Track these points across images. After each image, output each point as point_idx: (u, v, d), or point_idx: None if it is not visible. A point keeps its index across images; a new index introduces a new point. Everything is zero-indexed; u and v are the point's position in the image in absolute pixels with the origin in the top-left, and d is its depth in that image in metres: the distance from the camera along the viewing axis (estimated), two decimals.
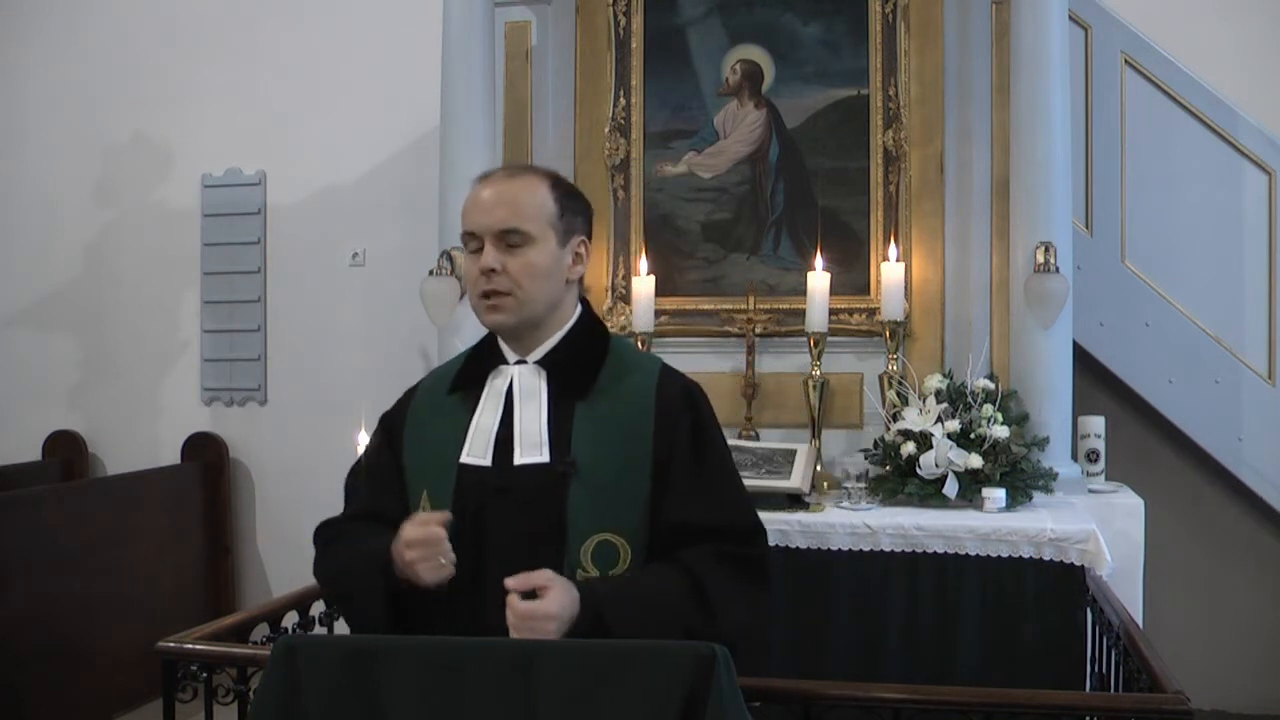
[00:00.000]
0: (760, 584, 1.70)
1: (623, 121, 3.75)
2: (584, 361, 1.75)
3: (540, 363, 1.75)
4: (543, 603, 1.51)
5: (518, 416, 1.71)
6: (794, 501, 3.07)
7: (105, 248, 5.14)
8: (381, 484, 1.80)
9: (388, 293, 4.67)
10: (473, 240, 1.71)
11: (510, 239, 1.68)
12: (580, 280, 1.80)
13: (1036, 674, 2.75)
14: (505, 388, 1.74)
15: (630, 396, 1.71)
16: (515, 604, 1.50)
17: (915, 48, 3.57)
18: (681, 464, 1.68)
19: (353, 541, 1.75)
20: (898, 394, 3.28)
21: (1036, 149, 3.35)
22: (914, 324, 3.53)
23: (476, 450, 1.71)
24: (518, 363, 1.76)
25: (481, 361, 1.80)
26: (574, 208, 1.75)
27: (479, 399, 1.76)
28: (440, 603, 1.62)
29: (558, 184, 1.75)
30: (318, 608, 2.99)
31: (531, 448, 1.69)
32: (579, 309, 1.81)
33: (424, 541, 1.57)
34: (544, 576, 1.53)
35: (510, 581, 1.52)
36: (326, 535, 1.83)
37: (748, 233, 3.68)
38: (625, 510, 1.65)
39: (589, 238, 1.79)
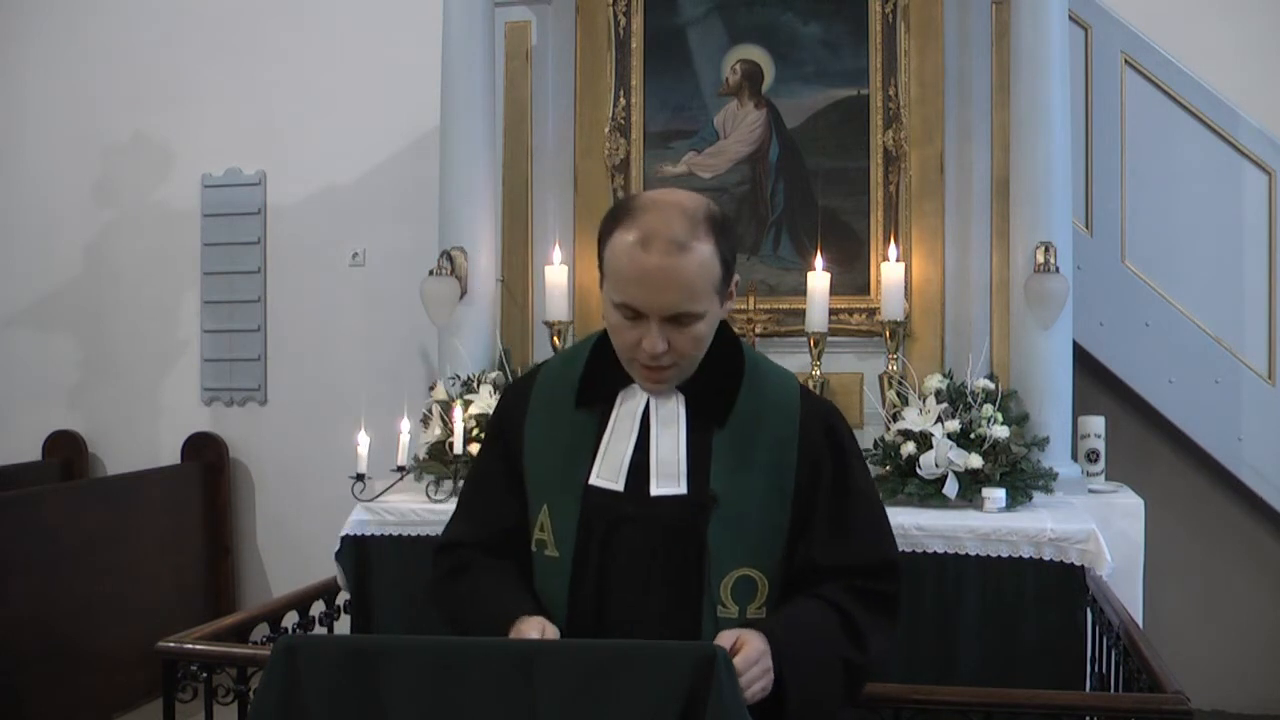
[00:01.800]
0: (892, 619, 1.66)
1: (623, 121, 3.75)
2: (723, 387, 1.65)
3: (679, 386, 1.64)
4: (750, 652, 1.46)
5: (654, 444, 1.62)
6: None
7: (105, 248, 5.14)
8: (502, 500, 1.70)
9: (388, 293, 4.67)
10: (629, 310, 1.54)
11: (680, 320, 1.54)
12: None
13: (1036, 674, 2.75)
14: (639, 410, 1.64)
15: (771, 424, 1.64)
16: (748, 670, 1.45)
17: (915, 48, 3.57)
18: (823, 498, 1.62)
19: (481, 590, 1.67)
20: (898, 394, 3.28)
21: (1036, 149, 3.35)
22: (914, 324, 3.53)
23: (608, 474, 1.62)
24: None
25: (608, 373, 1.66)
26: (729, 248, 1.58)
27: (605, 415, 1.65)
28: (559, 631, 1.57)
29: (720, 231, 1.56)
30: (318, 608, 3.00)
31: (669, 479, 1.61)
32: None
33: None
34: (735, 635, 1.49)
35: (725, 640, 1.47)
36: (448, 565, 1.73)
37: (748, 233, 3.68)
38: (764, 544, 1.59)
39: (734, 268, 1.63)
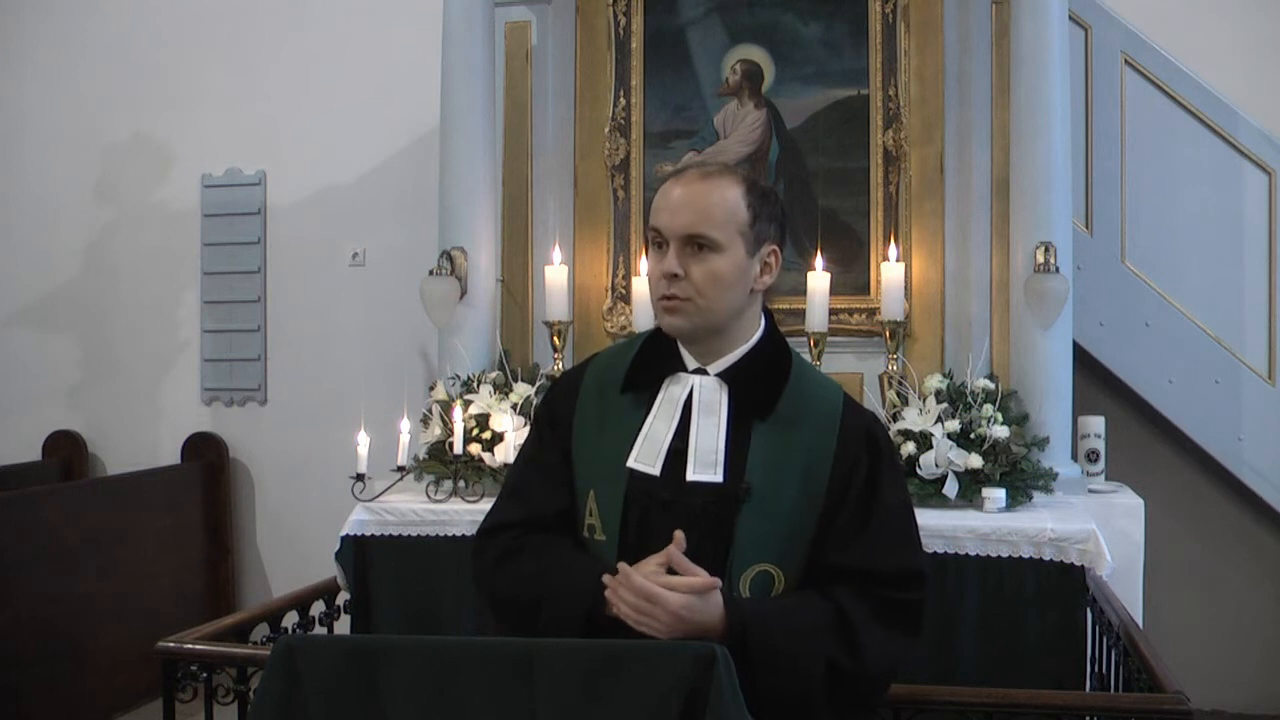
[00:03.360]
0: (910, 630, 1.65)
1: (623, 121, 3.75)
2: (768, 380, 1.67)
3: (722, 375, 1.67)
4: (671, 597, 1.48)
5: (694, 430, 1.64)
6: None
7: (105, 248, 5.14)
8: (552, 484, 1.71)
9: (388, 293, 4.67)
10: (657, 237, 1.64)
11: (697, 243, 1.60)
12: (766, 291, 1.70)
13: (1036, 674, 2.75)
14: (683, 397, 1.67)
15: (812, 426, 1.65)
16: (640, 582, 1.48)
17: (915, 48, 3.57)
18: (852, 505, 1.63)
19: (547, 559, 1.66)
20: (898, 394, 3.28)
21: (1036, 149, 3.35)
22: (914, 324, 3.53)
23: (646, 458, 1.64)
24: (696, 371, 1.68)
25: (657, 362, 1.70)
26: (768, 214, 1.66)
27: (652, 402, 1.68)
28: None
29: (753, 188, 1.65)
30: (318, 608, 3.00)
31: (706, 466, 1.63)
32: (764, 322, 1.72)
33: (650, 599, 1.49)
34: (704, 582, 1.50)
35: (677, 556, 1.49)
36: (501, 547, 1.71)
37: None
38: (790, 543, 1.60)
39: (781, 246, 1.70)
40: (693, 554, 1.55)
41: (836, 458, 1.64)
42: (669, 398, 1.68)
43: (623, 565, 1.54)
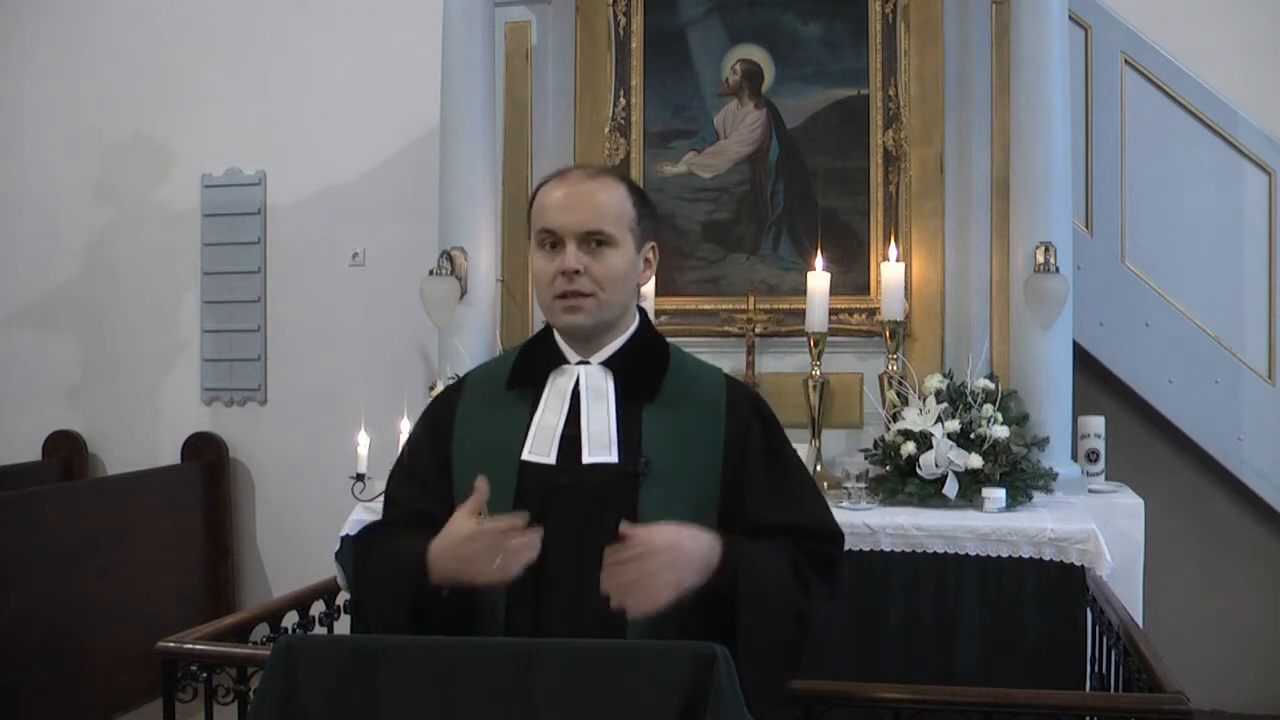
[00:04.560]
0: (834, 582, 1.69)
1: (623, 121, 3.75)
2: (650, 365, 1.73)
3: (606, 363, 1.72)
4: (658, 538, 1.49)
5: (585, 415, 1.68)
6: None
7: (105, 248, 5.14)
8: (422, 485, 1.74)
9: (388, 293, 4.67)
10: (549, 237, 1.67)
11: (595, 240, 1.66)
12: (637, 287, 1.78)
13: (1036, 674, 2.75)
14: (570, 387, 1.70)
15: (699, 402, 1.70)
16: (633, 539, 1.48)
17: (915, 48, 3.57)
18: (756, 467, 1.68)
19: (384, 550, 1.68)
20: (898, 394, 3.28)
21: (1036, 149, 3.35)
22: (914, 324, 3.53)
23: (539, 448, 1.67)
24: (579, 363, 1.73)
25: (539, 359, 1.75)
26: (648, 213, 1.75)
27: (538, 397, 1.71)
28: (489, 609, 1.58)
29: (634, 188, 1.75)
30: (318, 608, 2.99)
31: (600, 447, 1.66)
32: (638, 315, 1.79)
33: (487, 534, 1.51)
34: (664, 529, 1.51)
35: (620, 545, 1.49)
36: (361, 546, 1.76)
37: (748, 233, 3.68)
38: (695, 514, 1.61)
39: (658, 243, 1.78)
40: (601, 534, 1.56)
41: (728, 428, 1.69)
42: (556, 389, 1.71)
43: (455, 519, 1.55)
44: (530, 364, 1.76)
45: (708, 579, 1.53)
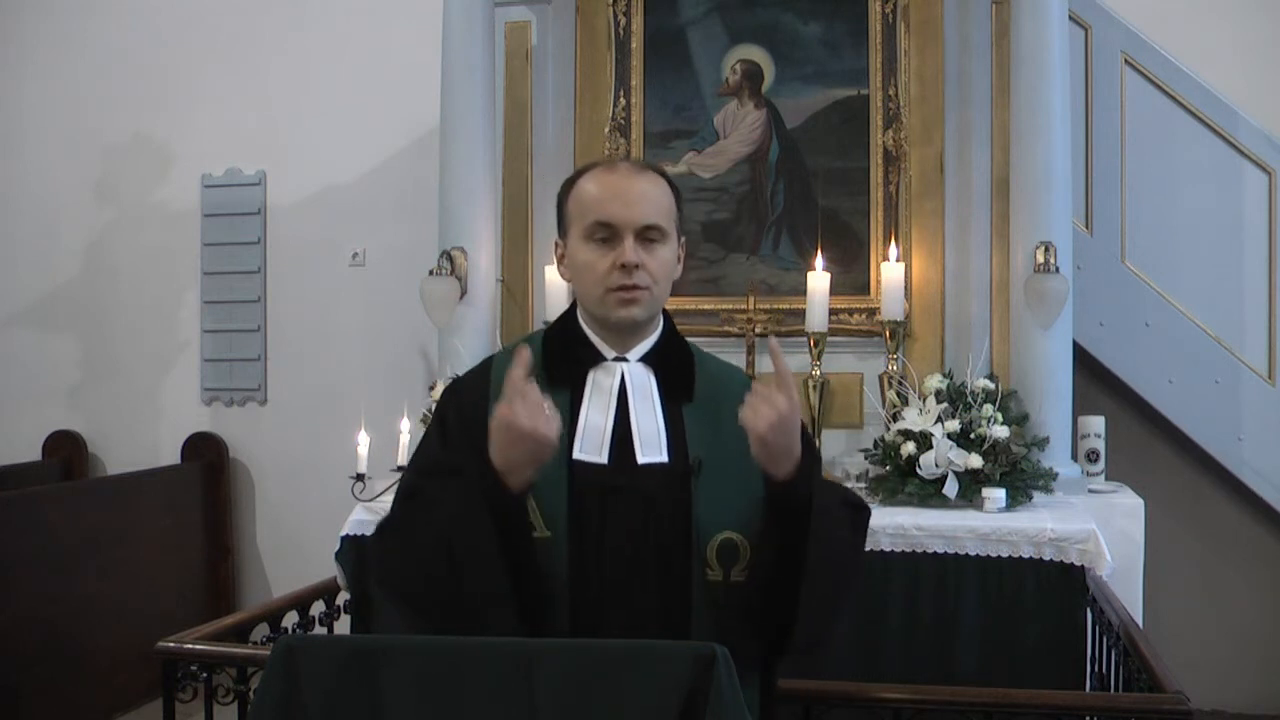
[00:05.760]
0: (863, 546, 1.78)
1: (623, 121, 3.75)
2: (681, 363, 1.74)
3: (645, 360, 1.71)
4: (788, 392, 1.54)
5: (634, 415, 1.67)
6: None
7: (105, 248, 5.14)
8: (454, 473, 1.60)
9: (388, 293, 4.67)
10: (603, 230, 1.64)
11: (650, 235, 1.65)
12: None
13: (1036, 674, 2.75)
14: (614, 385, 1.68)
15: (731, 399, 1.65)
16: (777, 398, 1.53)
17: (915, 48, 3.57)
18: None
19: (431, 499, 1.59)
20: (898, 394, 3.28)
21: (1036, 149, 3.35)
22: (914, 324, 3.53)
23: (590, 448, 1.64)
24: (616, 359, 1.70)
25: (573, 353, 1.71)
26: (681, 208, 1.75)
27: (575, 394, 1.67)
28: (553, 603, 1.56)
29: (672, 182, 1.75)
30: (318, 608, 3.00)
31: (653, 448, 1.66)
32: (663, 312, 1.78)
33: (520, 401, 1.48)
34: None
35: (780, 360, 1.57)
36: (406, 509, 1.65)
37: (748, 233, 3.68)
38: (745, 508, 1.63)
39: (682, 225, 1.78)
40: (655, 533, 1.59)
41: None
42: (599, 387, 1.68)
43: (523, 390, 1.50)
44: (565, 358, 1.71)
45: (793, 474, 1.57)
